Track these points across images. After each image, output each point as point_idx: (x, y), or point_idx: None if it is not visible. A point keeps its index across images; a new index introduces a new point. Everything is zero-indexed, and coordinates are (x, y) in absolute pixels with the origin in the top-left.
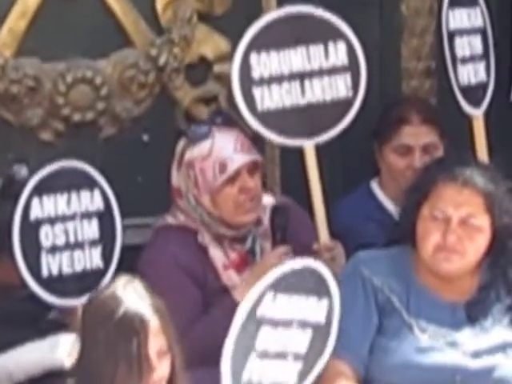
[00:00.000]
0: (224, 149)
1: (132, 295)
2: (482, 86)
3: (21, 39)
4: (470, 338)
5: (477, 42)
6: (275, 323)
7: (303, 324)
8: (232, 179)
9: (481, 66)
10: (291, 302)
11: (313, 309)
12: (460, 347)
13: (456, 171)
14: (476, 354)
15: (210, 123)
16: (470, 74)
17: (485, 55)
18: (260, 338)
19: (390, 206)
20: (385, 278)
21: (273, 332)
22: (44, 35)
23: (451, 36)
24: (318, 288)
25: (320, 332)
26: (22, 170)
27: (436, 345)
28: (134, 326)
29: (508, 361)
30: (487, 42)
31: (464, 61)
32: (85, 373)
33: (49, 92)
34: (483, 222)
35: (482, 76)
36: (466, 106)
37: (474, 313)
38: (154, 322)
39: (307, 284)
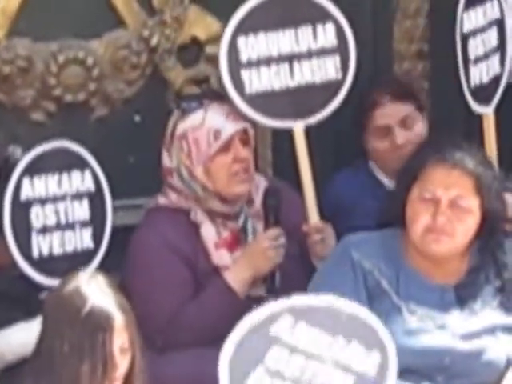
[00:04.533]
0: (217, 118)
1: (96, 291)
2: (495, 80)
3: (13, 20)
4: (459, 321)
5: (492, 36)
6: (294, 349)
7: (344, 367)
8: (226, 148)
9: (495, 59)
10: (317, 335)
11: (358, 356)
12: (449, 329)
13: (446, 153)
14: (465, 337)
15: (201, 96)
16: (483, 72)
17: (500, 46)
18: (272, 357)
19: (387, 181)
20: (374, 260)
21: (290, 357)
22: (36, 16)
23: (465, 38)
24: (367, 338)
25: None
26: (17, 151)
27: (425, 327)
28: (100, 323)
29: (497, 343)
30: (503, 32)
31: (477, 60)
32: (44, 366)
33: (40, 72)
34: (472, 203)
35: (496, 69)
36: (477, 106)
37: (463, 295)
38: (118, 319)
39: (345, 327)
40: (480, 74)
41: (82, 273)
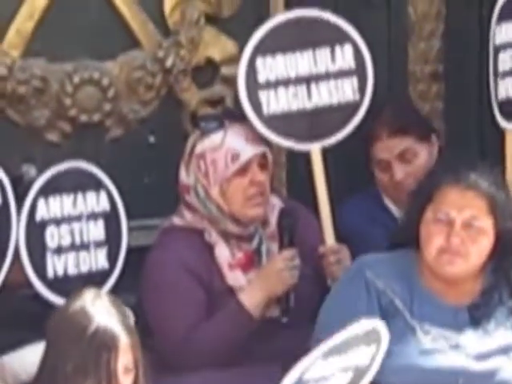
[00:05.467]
0: (236, 140)
1: (102, 311)
2: None
3: (28, 40)
4: (473, 341)
5: None
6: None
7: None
8: (243, 170)
9: None
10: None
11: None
12: (463, 350)
13: (460, 174)
14: (479, 357)
15: (221, 117)
16: (509, 87)
17: None
18: None
19: (395, 209)
20: (388, 280)
21: None
22: (51, 36)
23: (496, 51)
24: None
25: None
26: (31, 171)
27: (439, 347)
28: (105, 343)
29: (510, 363)
30: None
31: (505, 75)
32: None
33: (56, 93)
34: (486, 224)
35: None
36: (502, 121)
37: (477, 315)
38: (123, 339)
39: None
40: (506, 88)
41: (86, 292)
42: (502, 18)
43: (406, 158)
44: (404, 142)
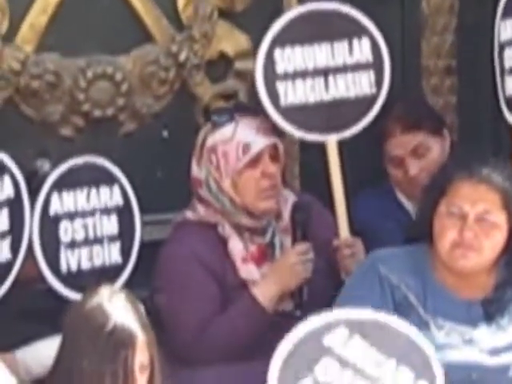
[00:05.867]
0: (247, 132)
1: (119, 309)
2: None
3: (42, 35)
4: (486, 336)
5: None
6: (345, 363)
7: None
8: (254, 162)
9: None
10: (369, 352)
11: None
12: (476, 345)
13: (473, 168)
14: (493, 352)
15: (232, 110)
16: None
17: None
18: (322, 368)
19: (408, 205)
20: (402, 275)
21: (341, 371)
22: (65, 31)
23: (502, 47)
24: (418, 365)
25: None
26: (46, 165)
27: (452, 342)
28: (123, 341)
29: None
30: None
31: (511, 71)
32: (63, 381)
33: (69, 88)
34: (500, 218)
35: None
36: (509, 117)
37: (490, 310)
38: (140, 337)
39: (399, 349)
40: None
41: (104, 288)
42: (507, 14)
43: (419, 153)
44: (417, 138)
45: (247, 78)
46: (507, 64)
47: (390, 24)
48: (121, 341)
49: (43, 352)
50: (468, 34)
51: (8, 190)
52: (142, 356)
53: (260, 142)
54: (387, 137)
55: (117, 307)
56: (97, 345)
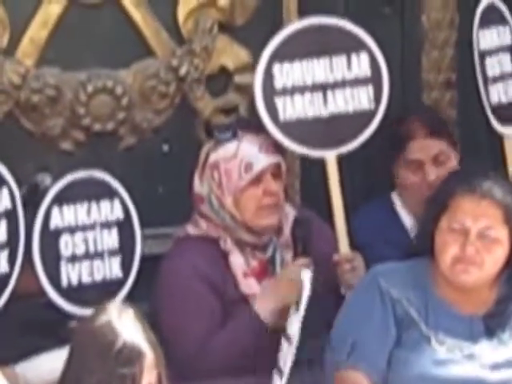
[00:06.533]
0: (250, 150)
1: (128, 326)
2: None
3: (42, 49)
4: (488, 351)
5: (506, 60)
6: None
7: None
8: (257, 180)
9: (511, 85)
10: None
11: None
12: (478, 360)
13: (474, 183)
14: (494, 367)
15: (236, 126)
16: (500, 92)
17: None
18: None
19: (407, 220)
20: (403, 290)
21: None
22: (65, 45)
23: (482, 56)
24: None
25: None
26: (47, 179)
27: (454, 357)
28: (131, 360)
29: None
30: None
31: (494, 80)
32: None
33: (69, 102)
34: (501, 234)
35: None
36: (497, 125)
37: (492, 325)
38: (149, 357)
39: None
40: (498, 93)
41: (113, 305)
42: (484, 23)
43: (439, 160)
44: (440, 144)
45: (248, 92)
46: (490, 73)
47: (390, 38)
48: (129, 359)
49: (43, 366)
50: (468, 48)
51: (6, 202)
52: (149, 375)
53: (263, 161)
54: (409, 139)
55: (126, 325)
56: (105, 362)
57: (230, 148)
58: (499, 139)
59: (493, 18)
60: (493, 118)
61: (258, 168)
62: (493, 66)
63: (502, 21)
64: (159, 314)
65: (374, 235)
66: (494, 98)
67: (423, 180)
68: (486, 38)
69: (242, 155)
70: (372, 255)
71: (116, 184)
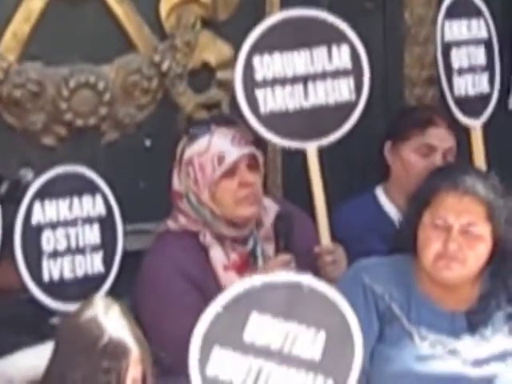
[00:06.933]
0: (222, 142)
1: (114, 322)
2: (484, 97)
3: (24, 44)
4: (470, 347)
5: (479, 53)
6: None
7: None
8: (231, 172)
9: (483, 77)
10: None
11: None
12: (460, 355)
13: (457, 180)
14: (476, 363)
15: (209, 121)
16: (468, 84)
17: (488, 66)
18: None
19: (394, 214)
20: (386, 285)
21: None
22: (47, 40)
23: (448, 47)
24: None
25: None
26: (29, 174)
27: (436, 353)
28: (117, 355)
29: (508, 370)
30: (492, 53)
31: (461, 72)
32: None
33: (52, 97)
34: (484, 230)
35: (484, 87)
36: (462, 117)
37: (474, 321)
38: (135, 352)
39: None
40: (465, 85)
41: (98, 300)
42: (451, 14)
43: (447, 155)
44: (453, 141)
45: (230, 87)
46: (455, 64)
47: (373, 34)
48: (115, 355)
49: (24, 363)
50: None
51: None
52: (134, 371)
53: (235, 152)
54: (430, 125)
55: (112, 320)
56: (91, 358)
57: (202, 142)
58: (466, 132)
59: (464, 10)
60: (457, 110)
61: (231, 159)
62: (460, 58)
63: (475, 13)
64: (140, 309)
65: (361, 230)
66: (461, 90)
67: (429, 166)
68: (454, 30)
69: (214, 148)
70: (360, 250)
71: (98, 179)
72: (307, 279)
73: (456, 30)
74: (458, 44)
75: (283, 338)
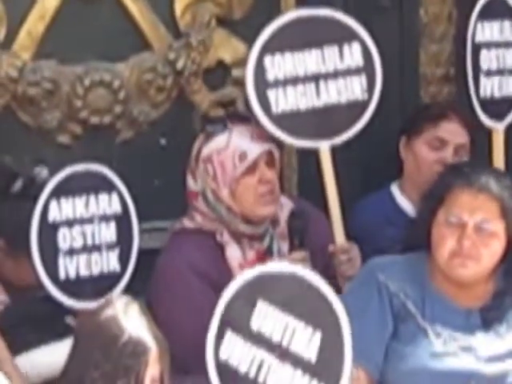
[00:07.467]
0: (242, 140)
1: (133, 321)
2: (509, 100)
3: (39, 42)
4: (484, 344)
5: (508, 56)
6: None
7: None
8: (251, 169)
9: (510, 80)
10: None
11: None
12: (474, 352)
13: (472, 177)
14: (490, 360)
15: (225, 119)
16: (495, 86)
17: None
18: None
19: (410, 210)
20: (400, 283)
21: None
22: (62, 38)
23: (477, 48)
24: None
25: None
26: (44, 172)
27: (450, 350)
28: (136, 354)
29: None
30: None
31: (489, 73)
32: None
33: (67, 95)
34: (498, 227)
35: (510, 90)
36: (486, 119)
37: (488, 318)
38: (154, 351)
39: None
40: (492, 87)
41: (118, 299)
42: (484, 15)
43: (459, 151)
44: (466, 137)
45: (245, 85)
46: (483, 65)
47: (388, 32)
48: (134, 354)
49: (41, 360)
50: (466, 41)
51: None
52: (153, 369)
53: (256, 149)
54: (443, 118)
55: (131, 319)
56: (110, 356)
57: (221, 140)
58: (488, 133)
59: (496, 11)
60: (481, 111)
61: (253, 156)
62: (489, 60)
63: (509, 16)
64: (155, 307)
65: (375, 227)
66: (486, 92)
67: (440, 160)
68: (485, 31)
69: (234, 145)
70: (375, 248)
71: (114, 177)
72: (311, 276)
73: (488, 31)
74: (488, 45)
75: (283, 329)
